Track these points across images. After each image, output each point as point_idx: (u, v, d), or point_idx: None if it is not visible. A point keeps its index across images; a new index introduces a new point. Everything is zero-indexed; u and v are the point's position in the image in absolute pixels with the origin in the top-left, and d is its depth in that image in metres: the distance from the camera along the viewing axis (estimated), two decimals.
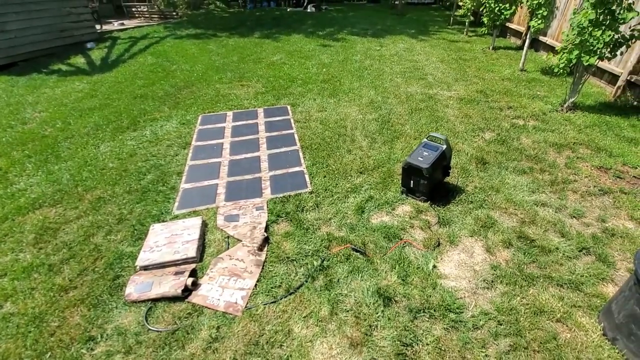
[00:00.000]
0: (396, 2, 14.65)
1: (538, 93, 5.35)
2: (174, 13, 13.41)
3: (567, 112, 4.67)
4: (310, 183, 3.44)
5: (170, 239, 2.75)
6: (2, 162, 4.01)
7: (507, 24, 8.79)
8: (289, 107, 5.13)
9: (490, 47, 7.94)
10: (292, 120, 4.73)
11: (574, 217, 2.95)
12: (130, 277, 2.50)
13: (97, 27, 10.11)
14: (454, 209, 3.03)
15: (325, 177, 3.55)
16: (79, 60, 7.65)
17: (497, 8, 7.42)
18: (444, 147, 2.97)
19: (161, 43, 9.00)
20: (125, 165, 3.87)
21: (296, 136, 4.33)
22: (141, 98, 5.61)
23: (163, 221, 3.07)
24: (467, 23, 9.45)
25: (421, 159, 2.90)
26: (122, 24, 11.48)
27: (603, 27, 3.98)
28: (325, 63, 7.14)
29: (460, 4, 10.59)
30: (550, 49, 7.10)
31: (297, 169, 3.70)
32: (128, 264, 2.65)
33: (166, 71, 6.86)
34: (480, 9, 7.93)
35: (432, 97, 5.30)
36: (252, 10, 14.84)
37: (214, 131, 4.55)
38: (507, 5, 7.38)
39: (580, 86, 4.57)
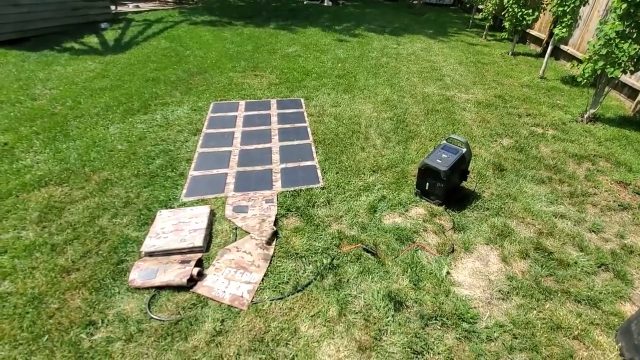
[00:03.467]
0: (414, 2, 14.45)
1: (558, 102, 5.22)
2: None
3: (587, 123, 4.54)
4: (322, 178, 3.36)
5: (177, 226, 2.69)
6: (9, 136, 3.95)
7: (528, 30, 8.62)
8: (302, 100, 5.04)
9: (510, 53, 7.78)
10: (305, 114, 4.64)
11: (592, 231, 2.85)
12: (135, 262, 2.43)
13: (112, 7, 10.03)
14: (470, 214, 2.94)
15: (337, 173, 3.47)
16: (92, 40, 7.58)
17: (520, 13, 7.25)
18: (464, 150, 2.88)
19: (175, 28, 8.91)
20: (134, 148, 3.81)
21: (309, 130, 4.24)
22: (153, 81, 5.53)
23: (170, 207, 3.00)
24: (486, 27, 9.27)
25: (439, 161, 2.81)
26: (137, 7, 11.38)
27: (630, 40, 3.85)
28: (340, 58, 7.03)
29: (481, 7, 10.40)
30: (571, 58, 6.94)
31: (309, 163, 3.61)
32: (133, 249, 2.58)
33: (179, 56, 6.78)
34: (502, 13, 7.77)
35: (449, 99, 5.18)
36: (269, 0, 14.69)
37: (225, 119, 4.47)
38: (530, 11, 7.21)
39: (602, 98, 4.44)
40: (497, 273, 2.42)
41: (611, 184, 3.41)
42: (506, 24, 7.60)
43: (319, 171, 3.47)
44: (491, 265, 2.48)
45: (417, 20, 11.87)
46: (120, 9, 10.74)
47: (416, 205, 3.04)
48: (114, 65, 6.19)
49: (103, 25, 8.59)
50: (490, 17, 9.02)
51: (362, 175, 3.45)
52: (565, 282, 2.41)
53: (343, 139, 4.05)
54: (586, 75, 4.28)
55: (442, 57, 7.40)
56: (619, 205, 3.13)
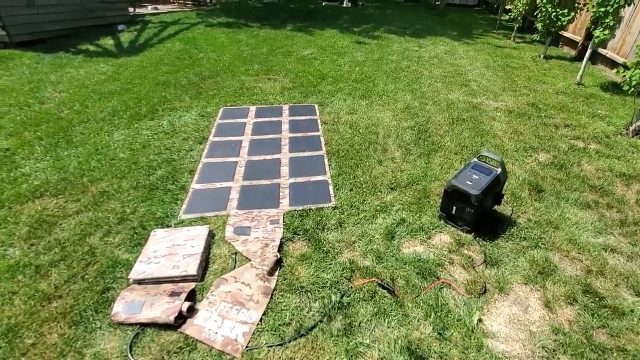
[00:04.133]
0: (437, 2, 13.93)
1: (599, 111, 4.71)
2: (208, 1, 13.24)
3: (633, 136, 4.04)
4: (334, 196, 3.03)
5: (171, 249, 2.42)
6: (12, 142, 3.81)
7: (561, 32, 8.02)
8: (316, 106, 4.73)
9: (542, 56, 7.24)
10: (318, 121, 4.33)
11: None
12: (121, 292, 2.17)
13: (130, 9, 10.03)
14: (504, 245, 2.54)
15: (351, 190, 3.13)
16: (108, 42, 7.52)
17: (554, 14, 6.72)
18: (499, 171, 2.49)
19: (191, 30, 8.79)
20: (137, 157, 3.59)
21: (322, 139, 3.92)
22: (163, 85, 5.35)
23: (167, 226, 2.75)
24: (515, 28, 8.72)
25: (470, 183, 2.43)
26: (156, 8, 11.39)
27: None
28: (358, 61, 6.68)
29: (509, 7, 9.83)
30: (611, 62, 6.36)
31: (320, 177, 3.29)
32: (121, 274, 2.33)
33: (193, 59, 6.60)
34: (534, 14, 7.23)
35: (477, 107, 4.76)
36: (287, 1, 14.50)
37: (234, 126, 4.21)
38: (566, 11, 6.67)
39: None
40: (540, 323, 2.03)
41: None
42: (538, 25, 7.07)
43: (331, 188, 3.14)
44: (532, 311, 2.09)
45: (440, 22, 11.38)
46: (139, 10, 10.76)
47: (440, 232, 2.67)
48: (126, 68, 6.06)
49: (120, 27, 8.56)
50: (519, 18, 8.47)
51: (378, 193, 3.11)
52: (621, 337, 1.99)
53: (359, 151, 3.71)
54: (633, 83, 3.80)
55: (467, 60, 6.94)
56: None
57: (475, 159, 2.63)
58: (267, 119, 4.39)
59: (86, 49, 7.04)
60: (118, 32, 8.27)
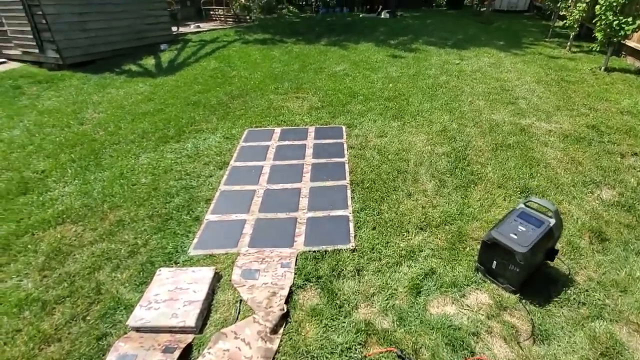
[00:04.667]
0: (482, 9, 13.17)
1: None
2: (248, 17, 13.60)
3: None
4: (355, 236, 2.73)
5: (173, 293, 2.26)
6: (48, 164, 3.95)
7: (624, 41, 7.10)
8: (344, 128, 4.47)
9: (602, 68, 6.43)
10: (345, 146, 4.06)
11: None
12: (116, 342, 2.03)
13: (174, 29, 10.50)
14: (557, 312, 2.09)
15: (374, 229, 2.82)
16: (149, 62, 7.85)
17: (617, 22, 5.93)
18: (552, 222, 2.06)
19: (227, 47, 8.97)
20: (157, 182, 3.55)
21: (347, 167, 3.65)
22: (194, 105, 5.39)
23: (175, 262, 2.61)
24: (571, 36, 7.89)
25: (515, 237, 2.02)
26: (198, 27, 11.86)
27: None
28: (393, 77, 6.34)
29: (564, 13, 8.97)
30: None
31: (341, 212, 3.01)
32: (122, 317, 2.21)
33: (225, 77, 6.65)
34: (593, 21, 6.46)
35: (525, 130, 4.22)
36: (324, 15, 14.51)
37: (256, 150, 4.07)
38: (630, 19, 5.87)
39: None
40: None
41: None
42: (598, 34, 6.29)
43: (351, 225, 2.84)
44: None
45: (485, 30, 10.69)
46: (182, 29, 11.25)
47: (477, 288, 2.27)
48: (162, 88, 6.23)
49: (162, 47, 8.95)
50: (576, 26, 7.65)
51: (405, 234, 2.76)
52: None
53: (386, 181, 3.38)
54: None
55: (515, 74, 6.33)
56: None
57: (522, 204, 2.20)
58: (291, 142, 4.20)
59: (129, 69, 7.39)
60: (160, 52, 8.64)
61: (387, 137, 4.23)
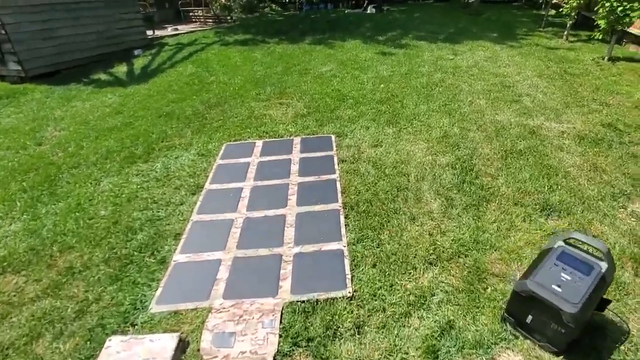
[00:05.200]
0: (470, 1, 12.77)
1: None
2: (229, 17, 13.00)
3: None
4: (352, 278, 2.26)
5: None
6: None
7: (628, 28, 6.73)
8: (333, 138, 3.98)
9: (606, 58, 6.04)
10: (335, 159, 3.58)
11: None
12: None
13: (150, 32, 9.88)
14: None
15: (374, 266, 2.35)
16: (120, 70, 7.26)
17: (621, 8, 5.54)
18: (604, 267, 1.60)
19: (206, 50, 8.40)
20: (119, 214, 3.03)
21: (338, 185, 3.17)
22: (166, 117, 4.85)
23: (132, 325, 2.11)
24: (567, 25, 7.50)
25: (559, 290, 1.57)
26: (176, 29, 11.24)
27: None
28: (383, 76, 5.87)
29: (557, 1, 8.59)
30: None
31: (334, 245, 2.53)
32: None
33: (202, 83, 6.11)
34: (595, 9, 6.07)
35: (535, 132, 3.78)
36: (308, 12, 13.97)
37: (235, 168, 3.57)
38: (636, 4, 5.49)
39: None
40: None
41: None
42: (600, 22, 5.90)
43: (347, 262, 2.37)
44: None
45: (475, 22, 10.28)
46: (159, 32, 10.62)
47: (508, 347, 1.81)
48: (132, 98, 5.67)
49: (136, 52, 8.34)
50: (573, 14, 7.26)
51: (412, 272, 2.29)
52: None
53: (385, 202, 2.92)
54: None
55: (514, 68, 5.90)
56: None
57: (561, 242, 1.75)
58: (274, 158, 3.70)
59: (98, 79, 6.79)
60: (133, 57, 8.04)
61: (382, 146, 3.75)
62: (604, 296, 1.68)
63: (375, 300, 2.11)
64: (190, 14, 13.67)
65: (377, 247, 2.49)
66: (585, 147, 3.44)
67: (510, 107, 4.44)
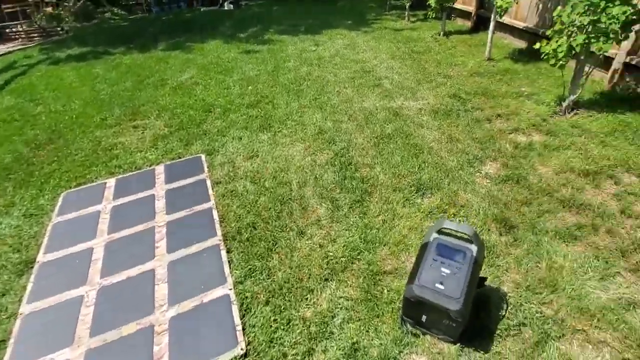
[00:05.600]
0: None
1: (522, 89, 4.27)
2: (59, 29, 10.80)
3: (570, 114, 3.61)
4: (243, 329, 1.93)
5: None
6: None
7: (453, 4, 7.78)
8: (203, 158, 3.51)
9: (441, 33, 6.86)
10: (208, 183, 3.14)
11: None
12: None
13: None
14: (504, 351, 1.70)
15: (268, 303, 2.06)
16: None
17: None
18: (475, 249, 1.62)
19: (29, 73, 6.73)
20: None
21: (215, 214, 2.76)
22: None
23: None
24: (407, 6, 8.32)
25: (442, 288, 1.52)
26: None
27: (618, 2, 2.91)
28: (250, 77, 5.54)
29: None
30: (509, 29, 6.15)
31: (218, 292, 2.15)
32: None
33: (25, 117, 4.81)
34: None
35: (399, 113, 3.98)
36: (159, 14, 12.57)
37: (80, 223, 2.82)
38: None
39: (584, 80, 3.51)
40: None
41: None
42: (431, 2, 6.63)
43: (235, 310, 2.02)
44: None
45: (330, 11, 10.68)
46: None
47: (412, 352, 1.74)
48: None
49: None
50: None
51: (309, 296, 2.08)
52: None
53: (269, 222, 2.64)
54: (560, 55, 3.31)
55: (371, 53, 6.22)
56: None
57: (435, 234, 1.72)
58: (133, 197, 3.06)
59: None
60: None
61: (258, 156, 3.45)
62: (481, 275, 1.72)
63: (273, 347, 1.83)
64: (7, 30, 10.88)
65: (268, 278, 2.20)
66: (440, 121, 3.75)
67: (373, 91, 4.61)
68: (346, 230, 2.52)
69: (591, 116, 3.55)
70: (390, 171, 3.04)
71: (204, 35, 8.40)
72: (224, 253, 2.41)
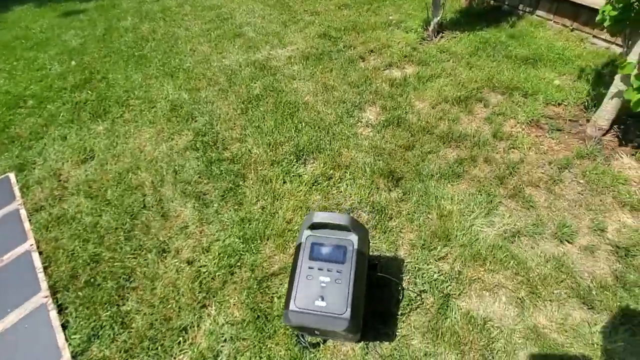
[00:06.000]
0: None
1: (390, 18, 4.01)
2: None
3: (437, 38, 3.49)
4: None
5: None
6: None
7: None
8: (12, 178, 2.53)
9: None
10: (22, 214, 2.26)
11: (566, 240, 1.81)
12: None
13: None
14: (409, 332, 1.52)
15: None
16: None
17: None
18: (355, 239, 1.30)
19: None
20: None
21: (36, 259, 1.99)
22: None
23: None
24: None
25: (322, 305, 1.19)
26: None
27: None
28: (74, 48, 4.22)
29: None
30: None
31: None
32: None
33: None
34: None
35: (266, 66, 3.39)
36: None
37: None
38: None
39: (444, 0, 3.36)
40: None
41: (524, 132, 2.41)
42: None
43: None
44: None
45: None
46: None
47: None
48: None
49: None
50: None
51: (182, 337, 1.62)
52: None
53: (117, 248, 2.00)
54: None
55: None
56: (557, 167, 2.15)
57: (308, 232, 1.34)
58: None
59: None
60: None
61: (94, 158, 2.62)
62: (373, 255, 1.45)
63: None
64: None
65: (123, 331, 1.65)
66: (312, 68, 3.29)
67: (234, 43, 3.87)
68: (221, 231, 2.04)
69: (455, 37, 3.49)
70: (265, 141, 2.55)
71: (4, 1, 6.20)
72: (53, 314, 1.74)
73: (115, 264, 1.93)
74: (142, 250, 1.98)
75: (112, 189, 2.35)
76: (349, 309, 1.16)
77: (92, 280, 1.86)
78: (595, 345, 1.43)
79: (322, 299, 1.19)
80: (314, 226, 1.34)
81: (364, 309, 1.29)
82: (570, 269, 1.68)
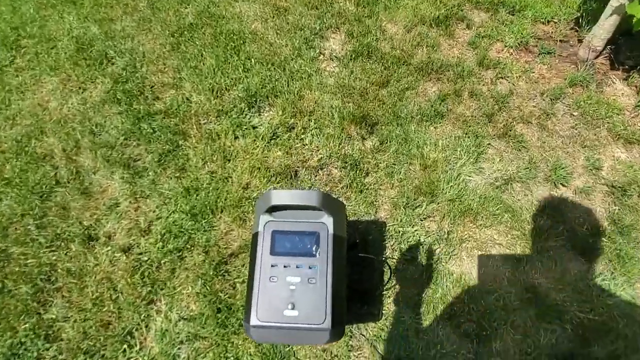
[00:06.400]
0: None
1: None
2: None
3: None
4: None
5: None
6: None
7: None
8: None
9: None
10: None
11: (560, 184, 1.62)
12: None
13: None
14: (404, 313, 1.32)
15: None
16: None
17: None
18: (329, 223, 0.98)
19: None
20: None
21: None
22: None
23: None
24: None
25: (294, 315, 0.90)
26: None
27: None
28: None
29: None
30: None
31: None
32: None
33: None
34: None
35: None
36: None
37: None
38: None
39: None
40: None
41: (512, 57, 2.07)
42: None
43: None
44: None
45: None
46: None
47: None
48: None
49: None
50: None
51: (126, 345, 1.34)
52: None
53: (28, 242, 1.57)
54: None
55: None
56: (550, 98, 1.89)
57: (267, 218, 1.00)
58: None
59: None
60: None
61: None
62: (351, 242, 1.17)
63: None
64: None
65: (48, 348, 1.33)
66: None
67: None
68: (162, 206, 1.65)
69: None
70: (206, 85, 2.04)
71: None
72: None
73: (28, 261, 1.52)
74: (62, 241, 1.57)
75: (11, 163, 1.81)
76: (328, 317, 0.89)
77: None
78: (595, 299, 1.33)
79: (293, 307, 0.90)
80: (274, 208, 0.99)
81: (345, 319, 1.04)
82: (567, 216, 1.52)
